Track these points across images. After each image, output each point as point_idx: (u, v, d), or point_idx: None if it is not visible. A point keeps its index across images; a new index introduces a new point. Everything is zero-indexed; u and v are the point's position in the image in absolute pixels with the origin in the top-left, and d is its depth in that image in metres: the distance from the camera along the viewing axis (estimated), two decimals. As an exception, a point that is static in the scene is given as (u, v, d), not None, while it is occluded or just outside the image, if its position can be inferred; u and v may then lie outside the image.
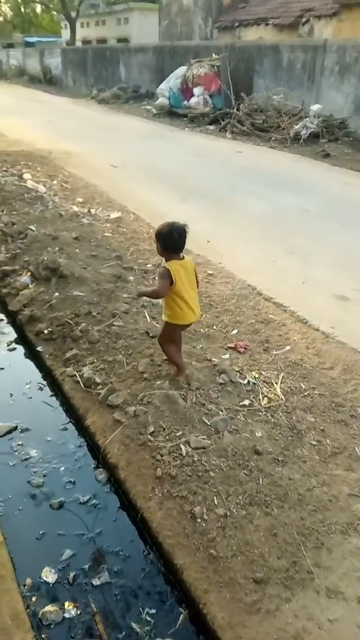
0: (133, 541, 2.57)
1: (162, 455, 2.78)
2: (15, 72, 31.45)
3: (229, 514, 2.45)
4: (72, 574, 2.40)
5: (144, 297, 4.20)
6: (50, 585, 2.36)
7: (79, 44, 30.43)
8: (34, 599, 2.30)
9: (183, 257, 3.00)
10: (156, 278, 3.11)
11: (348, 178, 9.00)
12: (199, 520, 2.44)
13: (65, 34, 32.82)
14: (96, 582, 2.37)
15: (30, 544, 2.56)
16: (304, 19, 16.68)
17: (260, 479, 2.61)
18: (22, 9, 36.97)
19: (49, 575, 2.40)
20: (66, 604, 2.28)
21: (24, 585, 2.35)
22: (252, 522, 2.42)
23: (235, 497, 2.53)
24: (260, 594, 2.13)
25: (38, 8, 38.59)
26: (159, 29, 24.08)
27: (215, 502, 2.51)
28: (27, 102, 18.99)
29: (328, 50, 12.61)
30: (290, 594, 2.13)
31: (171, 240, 2.91)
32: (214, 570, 2.25)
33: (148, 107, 16.96)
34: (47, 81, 26.35)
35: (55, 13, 36.66)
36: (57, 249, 5.08)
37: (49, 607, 2.25)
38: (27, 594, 2.32)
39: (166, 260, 3.01)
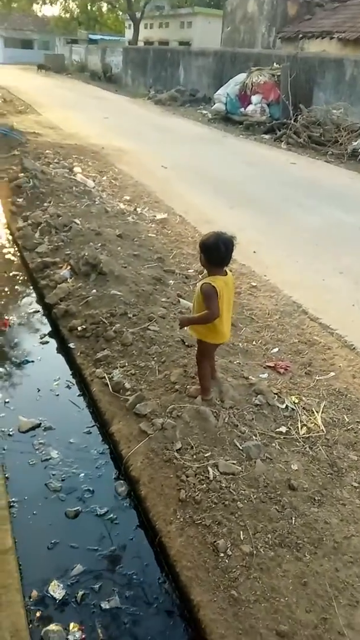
0: (149, 566, 2.39)
1: (187, 476, 2.60)
2: (76, 67, 32.07)
3: (255, 552, 2.24)
4: (80, 593, 2.24)
5: (184, 308, 4.03)
6: (57, 601, 2.21)
7: (140, 44, 30.75)
8: (38, 613, 2.16)
9: (226, 273, 2.77)
10: (196, 298, 2.84)
11: None
12: (221, 554, 2.24)
13: (128, 34, 33.22)
14: (105, 605, 2.21)
15: (41, 552, 2.42)
16: (371, 34, 16.19)
17: (293, 518, 2.39)
18: (89, 7, 37.58)
19: (57, 590, 2.26)
20: (71, 625, 2.12)
21: (29, 598, 2.21)
22: (281, 565, 2.20)
23: (264, 535, 2.31)
24: (283, 651, 1.92)
25: (104, 7, 39.19)
26: (221, 34, 23.98)
27: (242, 537, 2.30)
28: (86, 97, 19.24)
29: (395, 67, 12.14)
30: (318, 656, 1.91)
31: (217, 253, 2.65)
32: (234, 615, 2.04)
33: (204, 112, 16.85)
34: (106, 78, 26.67)
35: (120, 13, 37.17)
36: (99, 245, 4.98)
37: (53, 626, 2.10)
38: (32, 607, 2.17)
39: (209, 274, 2.77)
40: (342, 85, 13.74)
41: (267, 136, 13.36)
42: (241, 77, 15.73)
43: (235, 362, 3.53)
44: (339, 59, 14.13)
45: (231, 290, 2.82)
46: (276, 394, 3.22)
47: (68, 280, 4.50)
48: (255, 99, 14.81)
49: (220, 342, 2.97)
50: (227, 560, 2.22)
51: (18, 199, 6.55)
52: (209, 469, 2.62)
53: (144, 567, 2.39)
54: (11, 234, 6.04)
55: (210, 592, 2.13)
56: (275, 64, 15.33)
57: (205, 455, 2.71)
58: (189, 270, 4.93)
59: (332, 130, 12.12)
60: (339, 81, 13.84)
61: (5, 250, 5.72)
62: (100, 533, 2.53)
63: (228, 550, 2.25)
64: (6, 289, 4.85)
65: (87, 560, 2.39)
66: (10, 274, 5.15)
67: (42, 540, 2.46)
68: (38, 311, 4.46)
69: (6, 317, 4.32)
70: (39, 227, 5.52)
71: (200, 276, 4.82)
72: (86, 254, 4.61)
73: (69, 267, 4.64)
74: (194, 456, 2.71)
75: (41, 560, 2.38)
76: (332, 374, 3.52)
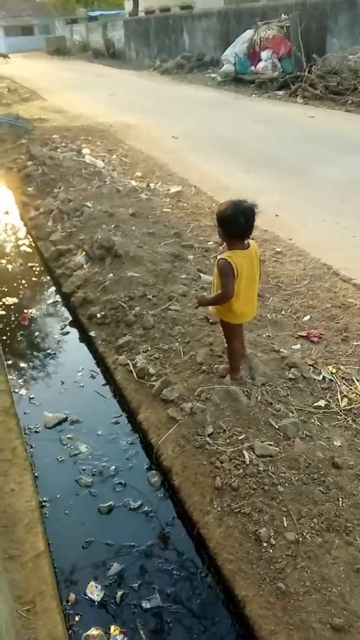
0: (188, 560, 2.26)
1: (221, 462, 2.43)
2: (79, 47, 31.36)
3: (301, 540, 2.07)
4: (119, 593, 2.14)
5: (206, 283, 3.81)
6: (96, 603, 2.11)
7: (141, 15, 29.69)
8: (77, 618, 2.07)
9: (248, 245, 2.48)
10: (215, 273, 2.56)
11: None
12: (265, 544, 2.08)
13: (128, 6, 32.12)
14: (146, 605, 2.10)
15: (76, 553, 2.32)
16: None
17: (340, 500, 2.19)
18: (85, -17, 36.64)
19: (95, 592, 2.16)
20: (112, 627, 2.02)
21: (67, 601, 2.12)
22: (330, 552, 2.02)
23: (309, 520, 2.13)
24: (340, 647, 1.75)
25: (100, -19, 38.09)
26: (224, -8, 22.83)
27: (285, 524, 2.12)
28: (90, 77, 18.80)
29: None
30: (379, 652, 1.73)
31: (236, 225, 2.37)
32: (283, 609, 1.89)
33: (213, 75, 16.15)
34: (110, 55, 25.96)
35: (118, -15, 36.02)
36: (112, 226, 4.79)
37: (93, 630, 2.00)
38: (70, 612, 2.08)
39: (228, 248, 2.50)
40: (358, 28, 12.81)
41: (281, 92, 12.70)
42: (248, 34, 14.93)
43: (264, 335, 3.31)
44: (351, -2, 13.14)
45: (255, 265, 2.52)
46: (311, 365, 2.99)
47: (84, 266, 4.35)
48: (265, 55, 14.05)
49: (240, 322, 2.72)
50: (271, 550, 2.06)
51: (28, 189, 6.42)
52: (244, 452, 2.44)
53: (184, 561, 2.26)
54: (25, 224, 5.93)
55: (256, 585, 1.98)
56: (283, 15, 14.45)
57: (239, 438, 2.53)
58: (209, 243, 4.69)
59: (350, 78, 11.36)
60: (353, 23, 12.90)
61: (20, 242, 5.62)
62: (136, 528, 2.42)
63: (271, 539, 2.09)
64: (23, 281, 4.75)
65: (124, 557, 2.28)
66: (27, 266, 5.05)
67: (76, 540, 2.36)
68: (56, 301, 4.35)
69: (25, 311, 4.22)
70: (51, 215, 5.37)
71: (221, 247, 4.58)
72: (99, 237, 4.43)
73: (83, 253, 4.48)
74: (227, 440, 2.54)
75: (77, 561, 2.28)
76: (371, 337, 3.25)
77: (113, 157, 7.64)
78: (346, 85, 11.33)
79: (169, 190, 6.10)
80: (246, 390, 2.78)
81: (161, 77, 17.82)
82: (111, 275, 4.04)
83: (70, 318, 4.07)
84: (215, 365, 2.98)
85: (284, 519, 2.15)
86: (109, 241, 4.31)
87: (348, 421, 2.61)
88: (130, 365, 3.18)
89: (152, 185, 6.30)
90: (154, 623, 2.04)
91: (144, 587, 2.16)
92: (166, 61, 20.09)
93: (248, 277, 2.48)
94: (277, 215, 5.23)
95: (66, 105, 12.38)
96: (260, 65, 14.14)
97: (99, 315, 3.68)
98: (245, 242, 2.48)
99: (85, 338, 3.74)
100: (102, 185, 6.09)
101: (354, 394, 2.77)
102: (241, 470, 2.36)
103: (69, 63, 25.83)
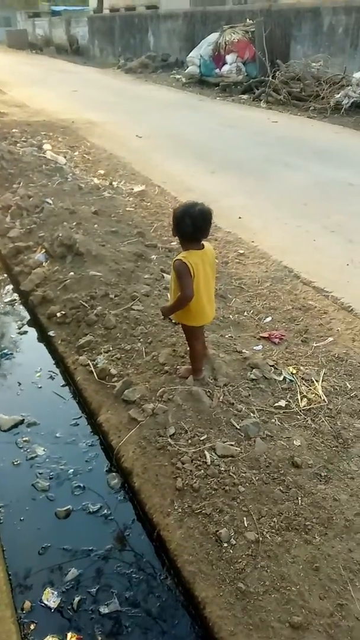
0: (148, 563, 2.23)
1: (183, 463, 2.41)
2: (41, 42, 30.70)
3: (261, 539, 2.07)
4: (77, 599, 2.08)
5: (169, 283, 3.79)
6: (52, 610, 2.05)
7: (106, 12, 29.40)
8: (32, 626, 1.99)
9: (203, 246, 2.50)
10: (172, 277, 2.57)
11: (393, 150, 8.25)
12: (225, 544, 2.07)
13: (93, 3, 31.74)
14: (104, 610, 2.05)
15: (32, 559, 2.24)
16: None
17: (299, 499, 2.21)
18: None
19: (51, 598, 2.09)
20: (69, 635, 1.96)
21: (22, 610, 2.04)
22: (289, 551, 2.03)
23: (269, 519, 2.14)
24: (298, 645, 1.76)
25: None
26: (190, -6, 22.92)
27: (245, 524, 2.13)
28: (53, 72, 18.43)
29: (374, 12, 11.59)
30: (336, 647, 1.75)
31: (184, 227, 2.41)
32: (243, 609, 1.88)
33: (177, 77, 16.18)
34: (73, 51, 25.56)
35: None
36: (74, 224, 4.69)
37: (49, 639, 1.94)
38: (25, 620, 2.01)
39: (183, 249, 2.51)
40: (320, 37, 13.15)
41: (245, 96, 12.86)
42: (213, 37, 15.06)
43: (226, 336, 3.32)
44: (315, 8, 13.46)
45: (210, 265, 2.54)
46: (272, 366, 3.02)
47: (43, 264, 4.23)
48: (230, 58, 14.20)
49: (201, 324, 2.72)
50: (231, 551, 2.05)
51: (-14, 183, 6.19)
52: (206, 453, 2.44)
53: (144, 564, 2.22)
54: (-18, 220, 5.71)
55: (216, 586, 1.97)
56: (248, 20, 14.65)
57: (201, 438, 2.52)
58: (172, 243, 4.66)
59: (313, 85, 11.66)
60: (316, 32, 13.23)
61: (-23, 239, 5.41)
62: (95, 531, 2.36)
63: (232, 539, 2.09)
64: (-20, 279, 4.58)
65: (82, 562, 2.22)
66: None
67: (32, 545, 2.28)
68: (14, 300, 4.21)
69: (-19, 309, 4.07)
70: (9, 211, 5.20)
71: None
72: (60, 234, 4.33)
73: (43, 250, 4.37)
74: (189, 441, 2.52)
75: (32, 567, 2.20)
76: (330, 339, 3.32)
77: (75, 154, 7.51)
78: (309, 91, 11.61)
79: (133, 189, 6.05)
80: (208, 391, 2.78)
81: (125, 75, 17.71)
82: (72, 273, 3.95)
83: (29, 317, 3.95)
84: (178, 367, 2.96)
85: (245, 519, 2.15)
86: (70, 239, 4.21)
87: (307, 421, 2.65)
88: (91, 365, 3.12)
89: (115, 183, 6.23)
90: (112, 628, 1.99)
91: (102, 592, 2.11)
92: (131, 60, 19.99)
93: (204, 277, 2.49)
94: (240, 218, 5.28)
95: (27, 100, 12.08)
96: (225, 68, 14.29)
97: (59, 314, 3.59)
98: (201, 244, 2.48)
99: (44, 338, 3.64)
100: (64, 182, 5.97)
101: (313, 394, 2.82)
102: (202, 471, 2.35)
103: (31, 57, 25.25)
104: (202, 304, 2.54)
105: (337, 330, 3.42)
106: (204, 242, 2.51)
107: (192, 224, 2.38)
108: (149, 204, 5.63)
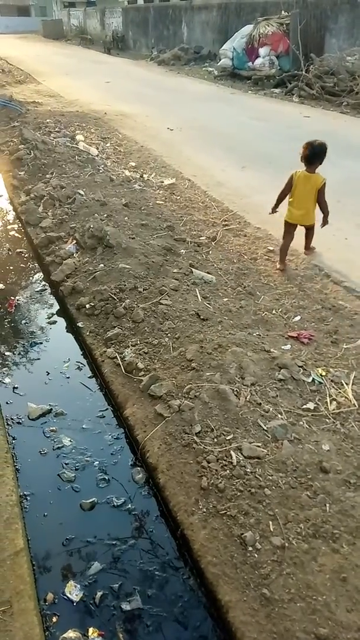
0: (171, 561, 2.21)
1: (208, 462, 2.39)
2: (75, 32, 30.73)
3: (287, 545, 2.03)
4: (99, 593, 2.08)
5: (197, 278, 3.81)
6: (74, 604, 2.06)
7: (141, 2, 29.24)
8: (54, 619, 2.01)
9: (314, 172, 3.76)
10: None
11: None
12: (250, 548, 2.04)
13: (128, -7, 31.61)
14: (126, 606, 2.04)
15: (56, 550, 2.26)
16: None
17: (327, 505, 2.16)
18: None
19: (74, 592, 2.10)
20: (90, 630, 1.97)
21: (44, 601, 2.05)
22: (316, 559, 1.99)
23: (296, 525, 2.10)
24: (324, 658, 1.72)
25: (101, -35, 37.27)
26: (225, -15, 22.58)
27: (271, 529, 2.09)
28: (86, 63, 18.46)
29: None
30: (363, 663, 1.71)
31: (304, 151, 3.72)
32: (267, 616, 1.85)
33: (210, 69, 16.00)
34: (115, 46, 24.51)
35: (118, -30, 35.32)
36: (105, 215, 4.68)
37: (70, 633, 1.95)
38: (47, 612, 2.02)
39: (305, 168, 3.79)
40: (357, 29, 12.79)
41: (277, 90, 12.62)
42: (247, 29, 14.79)
43: (254, 334, 3.26)
44: (352, -1, 13.10)
45: (308, 185, 3.78)
46: (301, 366, 2.96)
47: (74, 255, 4.24)
48: (263, 51, 13.94)
49: (290, 222, 3.98)
50: (256, 555, 2.02)
51: (19, 172, 6.25)
52: (232, 453, 2.40)
53: (167, 562, 2.21)
54: (14, 209, 5.78)
55: (240, 590, 1.94)
56: (283, 12, 14.34)
57: (227, 438, 2.49)
58: (201, 238, 4.62)
59: (347, 79, 11.33)
60: (353, 25, 12.87)
61: (9, 227, 5.48)
62: (118, 526, 2.36)
63: (257, 543, 2.05)
64: (11, 268, 4.63)
65: (105, 556, 2.22)
66: (15, 252, 4.92)
67: (56, 537, 2.29)
68: (44, 289, 4.24)
69: (12, 298, 4.11)
70: (42, 201, 5.23)
71: (213, 243, 4.53)
72: (91, 226, 4.33)
73: (74, 242, 4.38)
74: (215, 439, 2.49)
75: (56, 558, 2.22)
76: (362, 341, 3.23)
77: (107, 145, 7.49)
78: (342, 86, 11.30)
79: (163, 182, 6.00)
80: (235, 390, 2.74)
81: (158, 67, 17.60)
82: (102, 265, 3.95)
83: (58, 307, 3.97)
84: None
85: (270, 523, 2.11)
86: (100, 231, 4.21)
87: (337, 425, 2.58)
88: (119, 358, 3.11)
89: (145, 176, 6.20)
90: (133, 626, 1.99)
91: (124, 587, 2.11)
92: (164, 52, 19.85)
93: (300, 191, 3.83)
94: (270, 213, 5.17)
95: (61, 90, 12.13)
96: (258, 61, 14.04)
97: (87, 305, 3.59)
98: (312, 169, 3.76)
99: (72, 328, 3.65)
100: (95, 173, 5.97)
101: (343, 398, 2.74)
102: (228, 471, 2.32)
103: (65, 48, 25.33)
104: (292, 206, 3.90)
105: (370, 333, 3.33)
106: (318, 172, 3.78)
107: (310, 150, 3.69)
108: (178, 197, 5.58)
